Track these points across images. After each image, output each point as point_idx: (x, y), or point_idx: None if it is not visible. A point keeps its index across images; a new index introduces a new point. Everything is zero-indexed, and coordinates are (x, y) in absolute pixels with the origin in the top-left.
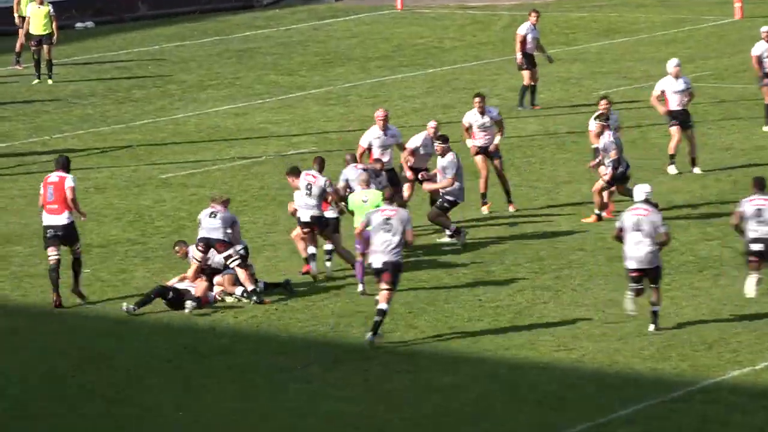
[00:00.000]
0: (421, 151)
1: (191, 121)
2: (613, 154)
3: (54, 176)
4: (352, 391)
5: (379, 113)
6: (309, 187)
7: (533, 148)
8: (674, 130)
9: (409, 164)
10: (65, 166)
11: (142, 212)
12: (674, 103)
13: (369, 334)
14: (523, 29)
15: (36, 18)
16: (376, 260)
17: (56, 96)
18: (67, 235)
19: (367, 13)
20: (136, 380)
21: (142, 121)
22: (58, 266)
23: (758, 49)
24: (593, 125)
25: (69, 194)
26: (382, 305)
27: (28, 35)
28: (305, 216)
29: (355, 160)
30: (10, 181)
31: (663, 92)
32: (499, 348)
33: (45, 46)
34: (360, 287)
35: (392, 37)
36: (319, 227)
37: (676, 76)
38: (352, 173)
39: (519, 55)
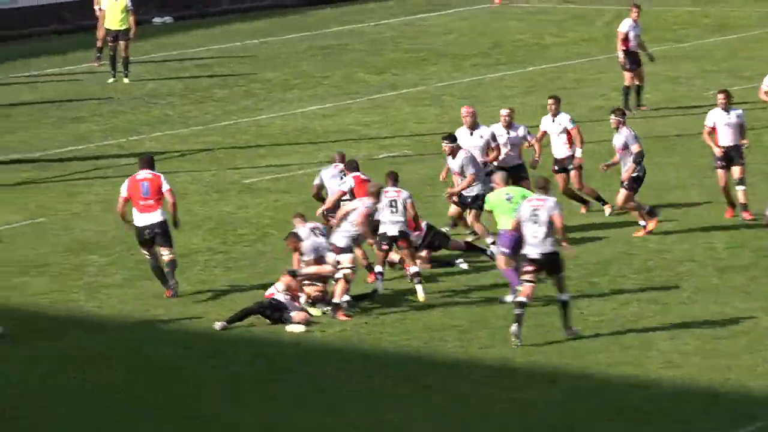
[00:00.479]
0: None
1: (276, 122)
2: (635, 148)
3: (145, 173)
4: (443, 407)
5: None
6: (393, 203)
7: None
8: None
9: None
10: (152, 164)
11: (224, 219)
12: None
13: (569, 329)
14: (624, 26)
15: (112, 12)
16: (531, 252)
17: (133, 95)
18: (163, 233)
19: (463, 8)
20: (216, 396)
21: (223, 123)
22: (156, 259)
23: None
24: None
25: (170, 198)
26: (563, 296)
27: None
28: (392, 231)
29: (342, 161)
30: (85, 186)
31: None
32: (601, 364)
33: (121, 42)
34: (510, 296)
35: (489, 33)
36: (406, 242)
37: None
38: (328, 173)
39: (621, 54)
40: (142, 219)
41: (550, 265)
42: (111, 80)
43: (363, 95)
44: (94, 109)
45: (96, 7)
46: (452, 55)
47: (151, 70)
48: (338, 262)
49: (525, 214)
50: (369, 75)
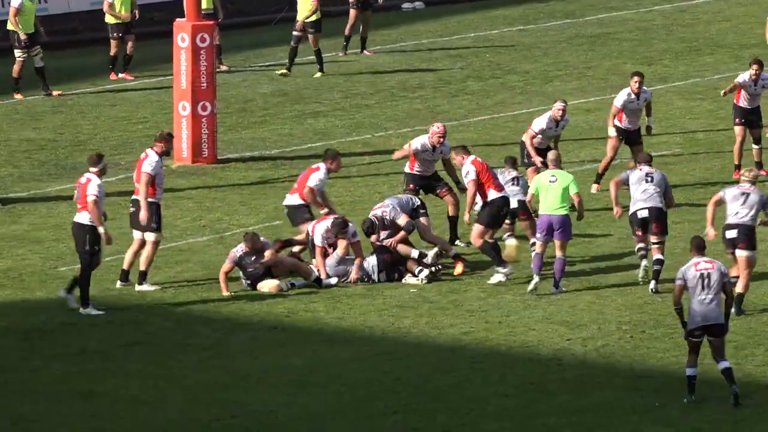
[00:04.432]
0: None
1: (535, 117)
2: None
3: None
4: None
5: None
6: (516, 179)
7: None
8: None
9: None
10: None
11: None
12: None
13: (652, 283)
14: None
15: (302, 3)
16: (638, 208)
17: (379, 88)
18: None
19: None
20: (472, 420)
21: (478, 117)
22: None
23: None
24: None
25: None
26: (658, 256)
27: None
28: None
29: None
30: (328, 186)
31: None
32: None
33: (310, 36)
34: (535, 280)
35: None
36: (527, 215)
37: None
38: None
39: None
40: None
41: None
42: (318, 75)
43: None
44: (336, 104)
45: None
46: (730, 45)
47: (400, 60)
48: None
49: (635, 178)
50: (637, 66)
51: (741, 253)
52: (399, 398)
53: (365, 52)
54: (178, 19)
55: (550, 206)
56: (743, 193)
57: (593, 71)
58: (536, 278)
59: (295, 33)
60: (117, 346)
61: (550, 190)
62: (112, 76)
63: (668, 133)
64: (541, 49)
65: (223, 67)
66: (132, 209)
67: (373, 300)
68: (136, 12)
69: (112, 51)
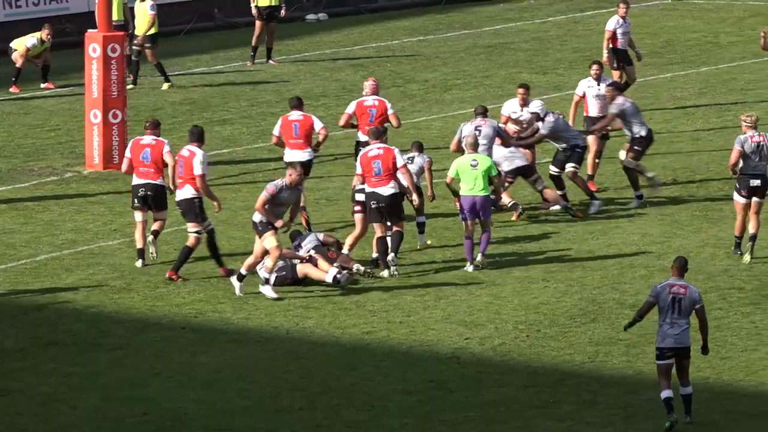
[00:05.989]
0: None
1: (435, 125)
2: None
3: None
4: (611, 430)
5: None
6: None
7: None
8: None
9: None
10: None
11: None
12: None
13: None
14: (611, 24)
15: (140, 17)
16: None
17: (283, 96)
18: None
19: (634, 5)
20: (375, 416)
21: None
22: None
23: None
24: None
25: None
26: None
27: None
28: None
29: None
30: (232, 191)
31: None
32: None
33: (147, 51)
34: (469, 268)
35: (661, 32)
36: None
37: None
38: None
39: (605, 53)
40: None
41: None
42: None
43: None
44: (242, 111)
45: (253, 5)
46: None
47: (304, 69)
48: None
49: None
50: (533, 75)
51: (758, 200)
52: (304, 395)
53: (270, 61)
54: (89, 30)
55: (475, 188)
56: (758, 145)
57: (490, 80)
58: (470, 267)
59: (134, 47)
60: (33, 346)
61: (472, 173)
62: (13, 89)
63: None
64: (440, 59)
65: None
66: (147, 192)
67: (278, 301)
68: (48, 56)
69: (19, 63)
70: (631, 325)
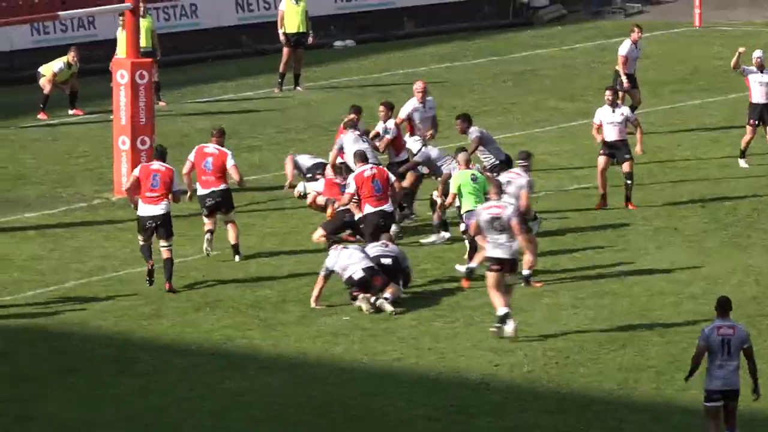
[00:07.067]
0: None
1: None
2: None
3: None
4: None
5: (418, 86)
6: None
7: None
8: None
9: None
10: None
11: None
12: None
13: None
14: (623, 49)
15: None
16: None
17: (311, 123)
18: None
19: (661, 31)
20: None
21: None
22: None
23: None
24: None
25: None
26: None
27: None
28: None
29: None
30: (260, 218)
31: None
32: None
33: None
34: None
35: (689, 58)
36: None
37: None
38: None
39: (624, 79)
40: None
41: None
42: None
43: (554, 123)
44: (270, 138)
45: (280, 31)
46: (649, 82)
47: (333, 95)
48: None
49: None
50: (560, 101)
51: None
52: (328, 421)
53: (298, 88)
54: (117, 56)
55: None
56: None
57: (518, 107)
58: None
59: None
60: (58, 371)
61: (473, 188)
62: (41, 115)
63: (590, 166)
64: (467, 86)
65: (162, 104)
66: (216, 200)
67: (307, 327)
68: (76, 83)
69: (47, 90)
70: (691, 374)
